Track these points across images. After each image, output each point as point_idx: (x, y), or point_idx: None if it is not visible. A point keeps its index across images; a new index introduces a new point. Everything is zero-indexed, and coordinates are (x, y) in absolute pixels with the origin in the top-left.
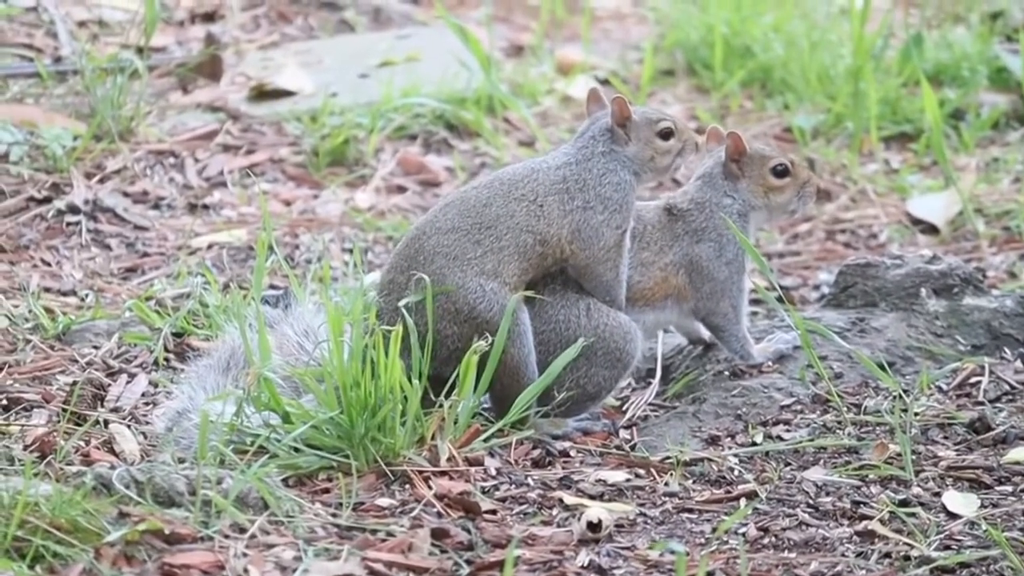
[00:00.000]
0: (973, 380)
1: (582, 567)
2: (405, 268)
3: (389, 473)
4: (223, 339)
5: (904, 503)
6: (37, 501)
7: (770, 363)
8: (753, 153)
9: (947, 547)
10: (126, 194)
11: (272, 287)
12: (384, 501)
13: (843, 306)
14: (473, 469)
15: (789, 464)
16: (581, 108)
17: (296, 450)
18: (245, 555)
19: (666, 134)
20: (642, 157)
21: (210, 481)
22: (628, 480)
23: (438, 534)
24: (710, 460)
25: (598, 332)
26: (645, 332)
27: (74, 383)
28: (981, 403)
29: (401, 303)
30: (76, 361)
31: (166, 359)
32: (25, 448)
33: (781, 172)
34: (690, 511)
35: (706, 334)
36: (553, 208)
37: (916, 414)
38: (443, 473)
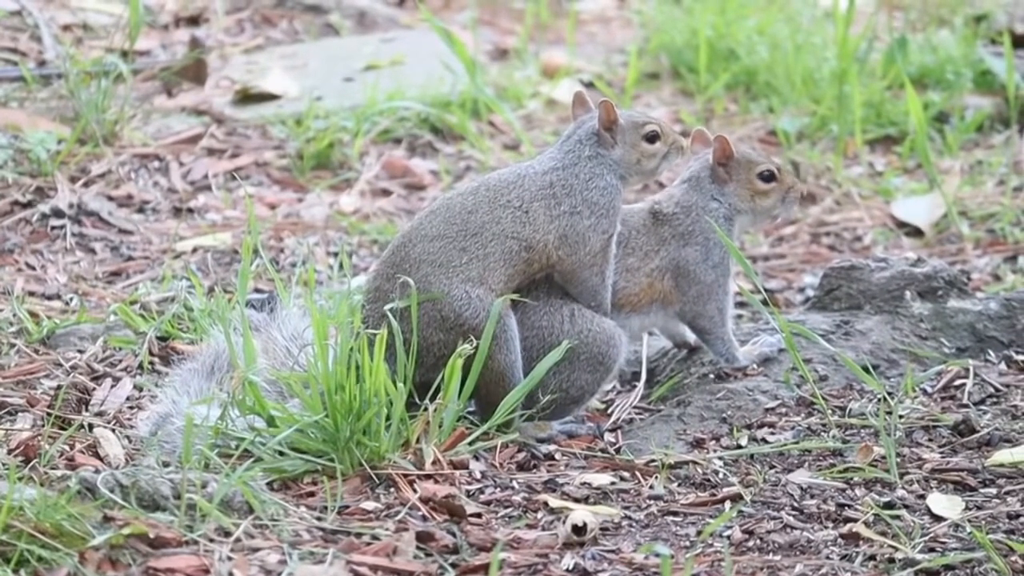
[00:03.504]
0: (957, 382)
1: (567, 570)
2: (391, 275)
3: (374, 476)
4: (208, 343)
5: (889, 505)
6: (22, 505)
7: (755, 366)
8: (740, 157)
9: (931, 549)
10: (110, 198)
11: (257, 291)
12: (369, 504)
13: (828, 309)
14: (458, 472)
15: (774, 467)
16: (566, 111)
17: (281, 454)
18: (230, 559)
19: (652, 137)
20: (628, 160)
21: (195, 485)
22: (613, 483)
23: (423, 537)
24: (695, 463)
25: (581, 337)
26: (631, 336)
27: (58, 387)
28: (965, 405)
29: (387, 307)
30: (60, 365)
31: (151, 363)
32: (9, 452)
33: (768, 177)
34: (675, 514)
35: (691, 337)
36: (539, 214)
37: (900, 416)
38: (428, 476)
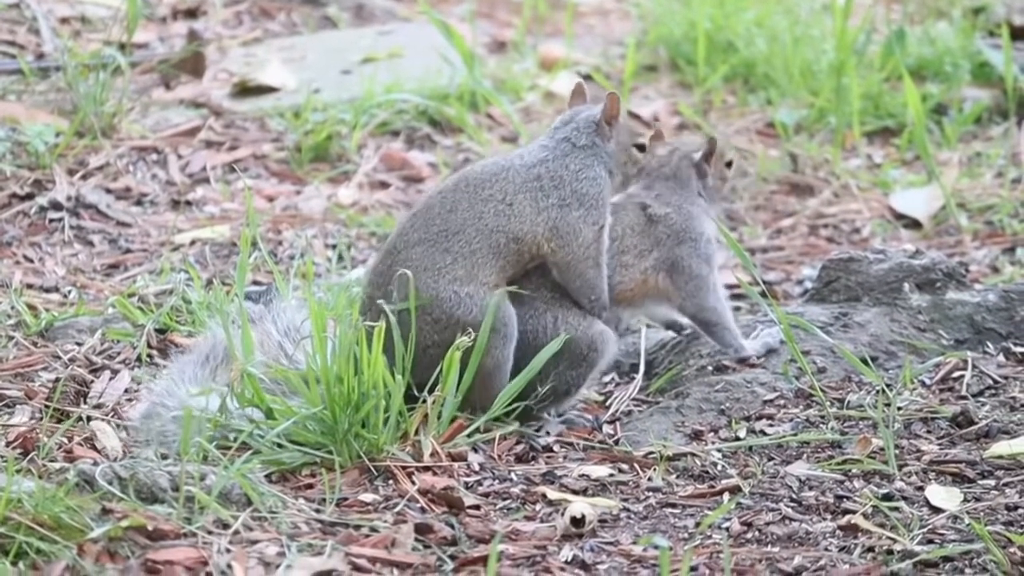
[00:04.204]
0: (956, 374)
1: (566, 562)
2: (381, 285)
3: (372, 468)
4: (205, 336)
5: (887, 497)
6: (20, 498)
7: (757, 357)
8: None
9: (930, 541)
10: (109, 190)
11: (255, 283)
12: (367, 496)
13: (826, 301)
14: (456, 464)
15: (772, 459)
16: (564, 104)
17: (279, 446)
18: (228, 551)
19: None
20: (618, 158)
21: (193, 477)
22: (611, 475)
23: (421, 529)
24: (693, 455)
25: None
26: (624, 323)
27: (57, 380)
28: (964, 397)
29: (379, 302)
30: (59, 357)
31: (149, 355)
32: (8, 445)
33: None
34: (673, 506)
35: (683, 320)
36: (525, 206)
37: (899, 408)
38: (426, 468)
